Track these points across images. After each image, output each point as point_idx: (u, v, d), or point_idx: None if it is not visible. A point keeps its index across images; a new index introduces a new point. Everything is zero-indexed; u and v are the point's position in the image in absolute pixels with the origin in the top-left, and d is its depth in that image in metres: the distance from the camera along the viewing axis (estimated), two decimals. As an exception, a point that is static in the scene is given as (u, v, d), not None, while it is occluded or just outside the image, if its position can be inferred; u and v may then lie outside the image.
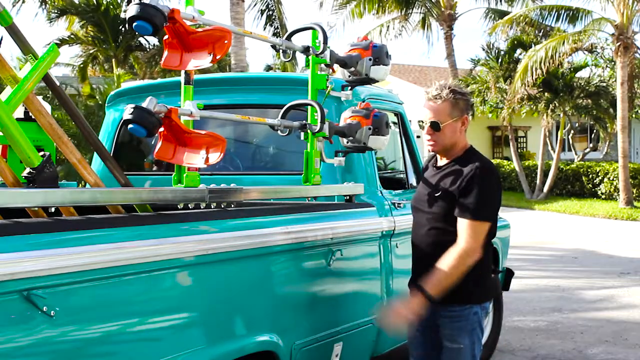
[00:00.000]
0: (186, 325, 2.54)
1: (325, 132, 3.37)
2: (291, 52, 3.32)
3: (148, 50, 21.24)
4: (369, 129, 3.54)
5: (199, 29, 2.70)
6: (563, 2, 20.21)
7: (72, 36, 20.37)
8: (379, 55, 3.62)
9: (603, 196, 19.14)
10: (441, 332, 3.01)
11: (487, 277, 3.06)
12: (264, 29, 17.09)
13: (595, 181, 19.57)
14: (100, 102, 15.78)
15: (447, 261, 2.85)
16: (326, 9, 22.94)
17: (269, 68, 30.06)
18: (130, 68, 22.17)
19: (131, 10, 2.43)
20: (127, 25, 17.27)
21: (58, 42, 19.16)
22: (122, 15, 19.36)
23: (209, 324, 2.63)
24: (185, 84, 2.74)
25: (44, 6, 18.93)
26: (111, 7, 19.49)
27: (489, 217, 2.91)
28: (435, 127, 2.96)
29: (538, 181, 20.32)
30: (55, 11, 19.49)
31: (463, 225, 2.88)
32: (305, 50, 3.36)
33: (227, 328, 2.73)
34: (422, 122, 2.96)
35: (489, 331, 5.29)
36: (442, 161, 3.08)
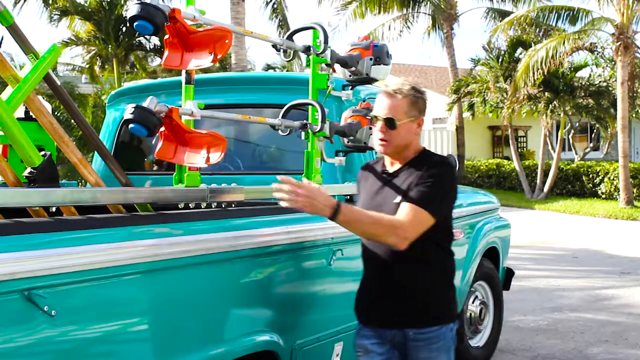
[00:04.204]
0: (186, 325, 2.53)
1: (325, 131, 3.37)
2: (292, 51, 3.32)
3: (149, 49, 21.24)
4: (370, 128, 3.53)
5: (200, 29, 2.70)
6: (564, 2, 20.22)
7: (72, 37, 20.36)
8: (380, 55, 3.62)
9: (603, 196, 19.14)
10: (413, 358, 2.70)
11: (454, 289, 2.84)
12: (270, 19, 17.12)
13: (595, 181, 19.57)
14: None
15: (378, 216, 2.56)
16: (325, 6, 22.96)
17: (268, 67, 30.03)
18: (131, 67, 22.17)
19: (132, 10, 2.43)
20: (127, 25, 17.30)
21: (60, 44, 19.14)
22: (123, 14, 19.36)
23: (210, 324, 2.63)
24: (186, 84, 2.74)
25: (45, 6, 18.93)
26: (112, 6, 19.48)
27: (433, 210, 2.60)
28: (390, 124, 2.68)
29: (538, 181, 20.31)
30: (57, 12, 19.49)
31: (404, 207, 2.60)
32: (306, 49, 3.36)
33: (227, 328, 2.72)
34: (376, 116, 2.71)
35: (489, 331, 5.30)
36: (393, 167, 2.80)
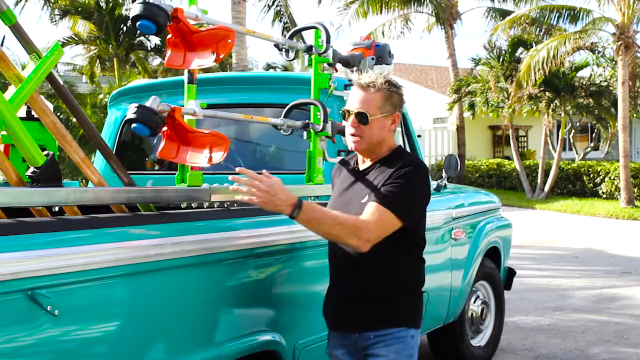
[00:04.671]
0: (189, 325, 2.54)
1: (327, 131, 3.36)
2: (294, 51, 3.32)
3: (149, 49, 21.26)
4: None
5: (201, 29, 2.70)
6: (564, 1, 20.20)
7: (73, 37, 20.37)
8: (382, 55, 3.62)
9: (604, 195, 19.13)
10: None
11: (421, 298, 2.74)
12: (272, 25, 17.12)
13: (596, 180, 19.56)
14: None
15: (341, 217, 2.42)
16: (325, 5, 23.01)
17: (269, 67, 30.04)
18: (132, 67, 22.19)
19: (135, 10, 2.43)
20: (128, 24, 17.31)
21: (61, 43, 19.14)
22: (124, 13, 19.36)
23: (212, 324, 2.63)
24: (188, 83, 2.74)
25: (47, 6, 18.94)
26: (113, 6, 19.49)
27: (400, 212, 2.46)
28: (362, 119, 2.54)
29: (539, 180, 20.31)
30: (59, 12, 19.50)
31: (369, 207, 2.47)
32: (308, 49, 3.36)
33: (230, 328, 2.72)
34: (348, 111, 2.56)
35: (491, 330, 5.30)
36: (364, 164, 2.67)
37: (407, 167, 2.51)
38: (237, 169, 2.38)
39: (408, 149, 4.43)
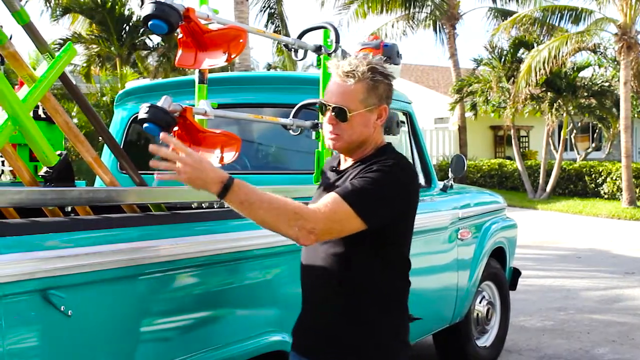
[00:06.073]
0: (200, 325, 2.54)
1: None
2: (303, 51, 3.32)
3: (152, 48, 21.26)
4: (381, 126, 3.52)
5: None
6: (567, 2, 20.22)
7: (75, 35, 20.37)
8: (390, 55, 3.61)
9: (606, 196, 19.13)
10: None
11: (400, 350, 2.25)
12: (266, 26, 17.15)
13: (598, 181, 19.56)
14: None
15: (281, 200, 2.00)
16: (327, 8, 22.98)
17: (269, 67, 30.05)
18: (133, 66, 22.19)
19: (147, 9, 2.43)
20: (130, 23, 17.28)
21: (61, 41, 19.15)
22: (127, 12, 19.36)
23: (223, 324, 2.63)
24: (199, 83, 2.74)
25: (48, 4, 18.94)
26: (116, 5, 19.49)
27: (361, 209, 2.05)
28: (340, 115, 2.15)
29: (541, 181, 20.31)
30: (60, 9, 19.49)
31: (327, 197, 2.08)
32: (317, 49, 3.36)
33: (240, 328, 2.72)
34: (326, 105, 2.19)
35: (496, 331, 5.29)
36: (345, 163, 2.29)
37: (384, 163, 2.14)
38: (161, 135, 2.06)
39: (415, 151, 4.43)
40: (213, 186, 1.94)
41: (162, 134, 2.08)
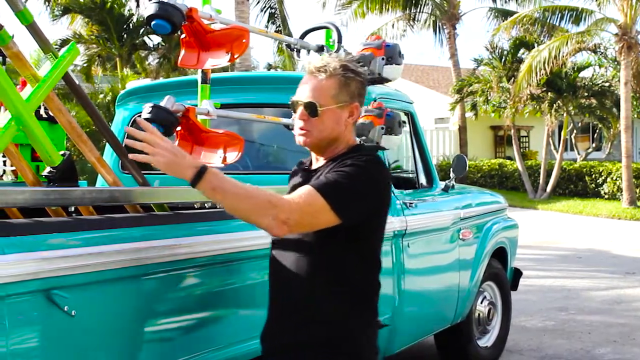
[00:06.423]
0: (203, 325, 2.54)
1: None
2: (305, 51, 3.32)
3: (152, 48, 21.28)
4: (382, 128, 3.52)
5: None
6: (567, 2, 20.21)
7: (76, 35, 20.37)
8: (392, 55, 3.61)
9: (606, 196, 19.13)
10: None
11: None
12: (266, 27, 17.17)
13: (598, 181, 19.56)
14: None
15: (254, 189, 2.00)
16: (329, 9, 22.98)
17: (269, 67, 30.05)
18: (133, 67, 22.20)
19: (150, 9, 2.43)
20: (130, 24, 17.29)
21: (61, 41, 19.16)
22: (126, 13, 19.36)
23: (226, 324, 2.63)
24: (202, 83, 2.74)
25: (47, 4, 18.94)
26: (115, 5, 19.49)
27: (335, 202, 2.03)
28: (311, 110, 2.14)
29: (541, 181, 20.31)
30: (59, 9, 19.49)
31: (301, 189, 2.07)
32: (319, 49, 3.36)
33: (243, 328, 2.72)
34: (296, 101, 2.19)
35: (498, 331, 5.29)
36: (317, 163, 2.26)
37: (358, 158, 2.13)
38: (137, 119, 2.05)
39: (416, 151, 4.42)
40: (187, 170, 1.94)
41: (136, 118, 2.06)
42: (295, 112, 2.20)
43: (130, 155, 2.01)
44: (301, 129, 2.17)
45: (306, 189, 2.04)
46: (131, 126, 4.34)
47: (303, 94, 2.17)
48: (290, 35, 14.45)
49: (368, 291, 2.23)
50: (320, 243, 2.12)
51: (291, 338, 2.17)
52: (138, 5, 19.63)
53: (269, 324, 2.25)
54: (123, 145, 2.59)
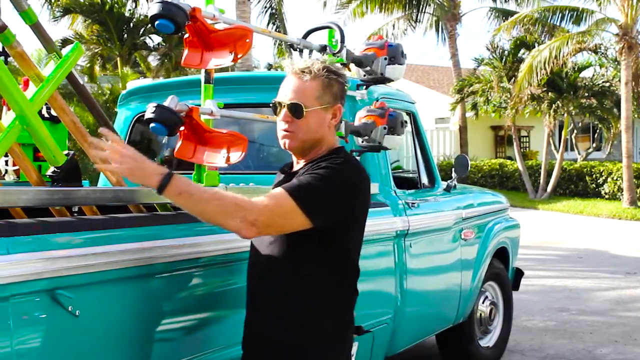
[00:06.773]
0: (206, 325, 2.54)
1: (341, 131, 3.36)
2: (308, 51, 3.32)
3: (153, 48, 21.28)
4: (384, 128, 3.52)
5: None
6: (567, 2, 20.22)
7: (77, 35, 20.37)
8: (395, 55, 3.61)
9: (607, 196, 19.13)
10: None
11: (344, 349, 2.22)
12: (267, 27, 17.18)
13: (598, 181, 19.56)
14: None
15: (221, 192, 2.03)
16: (330, 8, 22.99)
17: (270, 66, 30.05)
18: (133, 67, 22.20)
19: (153, 9, 2.42)
20: (131, 24, 17.33)
21: (62, 41, 19.16)
22: (127, 14, 19.37)
23: (229, 324, 2.62)
24: (205, 83, 2.74)
25: (48, 4, 18.94)
26: (116, 5, 19.50)
27: (306, 204, 2.01)
28: (296, 112, 2.12)
29: (541, 181, 20.32)
30: (60, 10, 19.49)
31: (272, 191, 2.09)
32: (322, 49, 3.36)
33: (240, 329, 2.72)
34: (279, 102, 2.17)
35: (499, 331, 5.29)
36: (297, 165, 2.24)
37: (333, 161, 2.11)
38: (100, 129, 2.07)
39: (418, 150, 4.42)
40: (152, 177, 1.95)
41: (100, 129, 2.09)
42: (277, 114, 2.19)
43: (96, 166, 2.05)
44: (285, 130, 2.16)
45: (277, 190, 2.04)
46: (132, 126, 4.35)
47: (286, 95, 2.15)
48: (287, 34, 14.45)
49: (342, 296, 2.19)
50: (293, 245, 2.10)
51: (271, 332, 2.16)
52: (136, 6, 19.67)
53: (249, 327, 2.25)
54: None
